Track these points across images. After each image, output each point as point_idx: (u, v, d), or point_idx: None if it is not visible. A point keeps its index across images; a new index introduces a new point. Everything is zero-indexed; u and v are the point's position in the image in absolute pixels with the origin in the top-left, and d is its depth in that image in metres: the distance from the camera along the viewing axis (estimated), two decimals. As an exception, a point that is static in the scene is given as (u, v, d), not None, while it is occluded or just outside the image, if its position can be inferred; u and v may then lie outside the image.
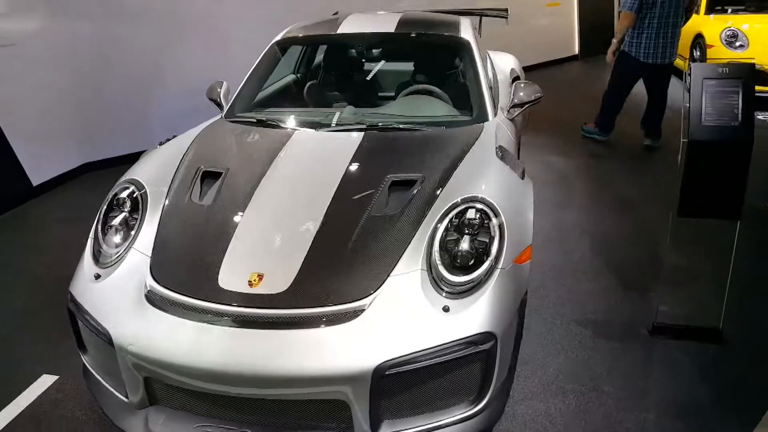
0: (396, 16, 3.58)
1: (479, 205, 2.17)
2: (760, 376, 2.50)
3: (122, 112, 5.41)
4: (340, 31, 3.45)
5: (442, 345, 1.86)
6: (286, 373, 1.81)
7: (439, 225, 2.13)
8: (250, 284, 1.98)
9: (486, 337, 1.92)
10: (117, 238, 2.31)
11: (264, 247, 2.14)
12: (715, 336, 2.71)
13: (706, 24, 7.45)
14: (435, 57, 3.64)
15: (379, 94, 3.58)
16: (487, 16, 5.38)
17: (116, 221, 2.35)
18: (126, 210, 2.40)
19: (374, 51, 3.63)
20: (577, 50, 10.75)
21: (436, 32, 3.39)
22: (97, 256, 2.28)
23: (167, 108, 5.52)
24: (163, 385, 1.99)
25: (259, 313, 1.92)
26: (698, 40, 7.45)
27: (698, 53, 7.47)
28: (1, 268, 3.77)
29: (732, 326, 2.73)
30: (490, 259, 2.06)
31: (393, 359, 1.82)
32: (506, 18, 5.34)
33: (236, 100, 3.29)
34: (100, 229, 2.36)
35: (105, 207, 2.43)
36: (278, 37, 3.57)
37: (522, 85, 3.14)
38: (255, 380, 1.83)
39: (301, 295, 1.95)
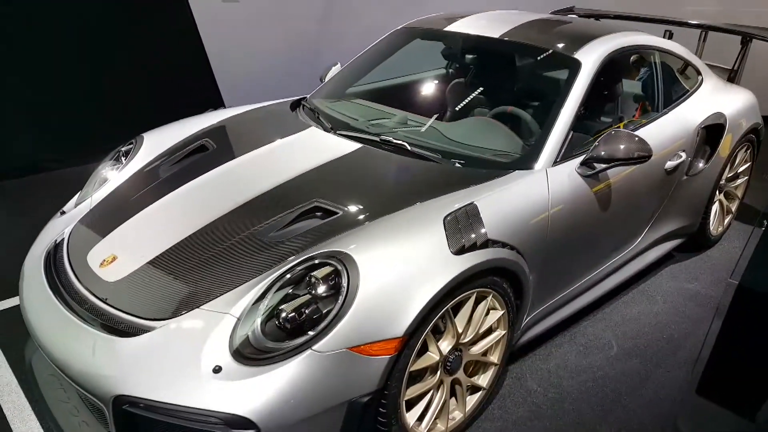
0: (526, 18, 2.89)
1: (337, 264, 1.69)
2: None
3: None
4: (447, 28, 2.97)
5: (182, 407, 1.56)
6: (72, 370, 1.75)
7: (289, 273, 1.74)
8: (102, 264, 1.96)
9: (242, 423, 1.55)
10: (94, 185, 2.52)
11: (141, 233, 2.09)
12: None
13: None
14: (535, 76, 2.84)
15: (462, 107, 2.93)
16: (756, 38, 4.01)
17: (105, 168, 2.57)
18: (122, 163, 2.58)
19: (468, 57, 3.04)
20: None
21: (544, 45, 2.63)
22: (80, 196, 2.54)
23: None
24: None
25: (86, 297, 1.88)
26: None
27: None
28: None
29: None
30: (311, 333, 1.62)
31: (133, 397, 1.60)
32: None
33: (325, 84, 3.17)
34: (98, 172, 2.60)
35: (112, 154, 2.66)
36: (399, 26, 3.28)
37: (618, 135, 2.25)
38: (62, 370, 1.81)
39: (123, 293, 1.86)
